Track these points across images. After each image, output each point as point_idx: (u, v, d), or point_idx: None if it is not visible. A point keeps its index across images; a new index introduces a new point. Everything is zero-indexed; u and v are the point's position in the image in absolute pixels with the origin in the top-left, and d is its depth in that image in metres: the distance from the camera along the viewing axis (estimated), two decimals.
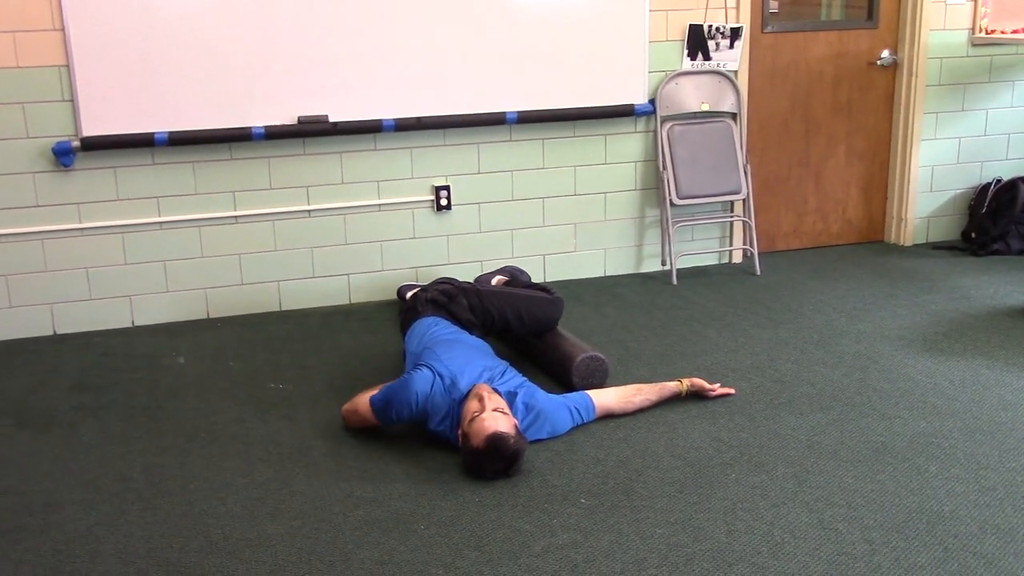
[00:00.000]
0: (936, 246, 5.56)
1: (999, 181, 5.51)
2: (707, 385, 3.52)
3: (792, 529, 2.67)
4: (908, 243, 5.59)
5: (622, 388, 3.44)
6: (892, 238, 5.65)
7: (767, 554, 2.56)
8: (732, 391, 3.57)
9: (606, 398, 3.33)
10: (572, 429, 3.29)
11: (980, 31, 5.36)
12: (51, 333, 4.34)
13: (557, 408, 3.26)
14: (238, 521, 2.78)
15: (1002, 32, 5.36)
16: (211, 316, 4.53)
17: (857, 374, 3.76)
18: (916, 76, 5.35)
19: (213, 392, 3.70)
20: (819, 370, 3.80)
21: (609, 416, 3.36)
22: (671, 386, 3.48)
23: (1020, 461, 3.03)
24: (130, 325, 4.43)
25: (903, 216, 5.57)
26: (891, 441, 3.19)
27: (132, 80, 4.16)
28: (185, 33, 4.18)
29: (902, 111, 5.44)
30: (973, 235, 5.48)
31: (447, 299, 3.68)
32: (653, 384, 3.49)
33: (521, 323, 3.73)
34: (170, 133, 4.23)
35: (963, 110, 5.47)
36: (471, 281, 4.07)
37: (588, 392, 3.37)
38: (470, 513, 2.80)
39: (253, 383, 3.78)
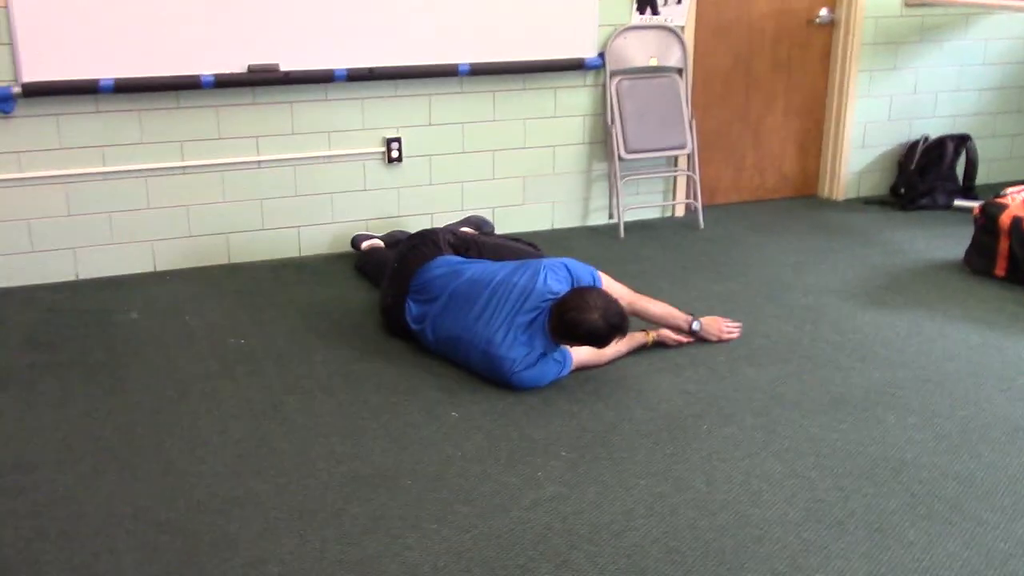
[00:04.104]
0: (867, 201, 5.75)
1: (927, 138, 5.71)
2: (672, 335, 3.63)
3: (767, 478, 2.79)
4: (840, 197, 5.77)
5: None
6: (825, 192, 5.82)
7: (747, 502, 2.66)
8: (691, 339, 3.68)
9: (581, 352, 3.39)
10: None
11: None
12: None
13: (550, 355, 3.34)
14: (222, 479, 2.76)
15: None
16: (158, 269, 4.42)
17: (808, 327, 3.89)
18: (852, 35, 5.48)
19: (173, 348, 3.63)
20: (772, 323, 3.93)
21: (582, 369, 3.42)
22: (639, 336, 3.59)
23: (969, 410, 3.20)
24: (74, 278, 4.30)
25: (836, 171, 5.73)
26: (849, 392, 3.33)
27: (76, 23, 3.99)
28: None
29: (838, 69, 5.58)
30: (902, 190, 5.68)
31: (464, 248, 3.78)
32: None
33: None
34: (116, 80, 4.08)
35: (895, 68, 5.64)
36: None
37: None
38: (455, 467, 2.84)
39: (212, 338, 3.73)
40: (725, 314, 3.98)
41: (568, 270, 3.42)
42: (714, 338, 3.69)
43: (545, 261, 3.47)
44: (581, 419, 3.13)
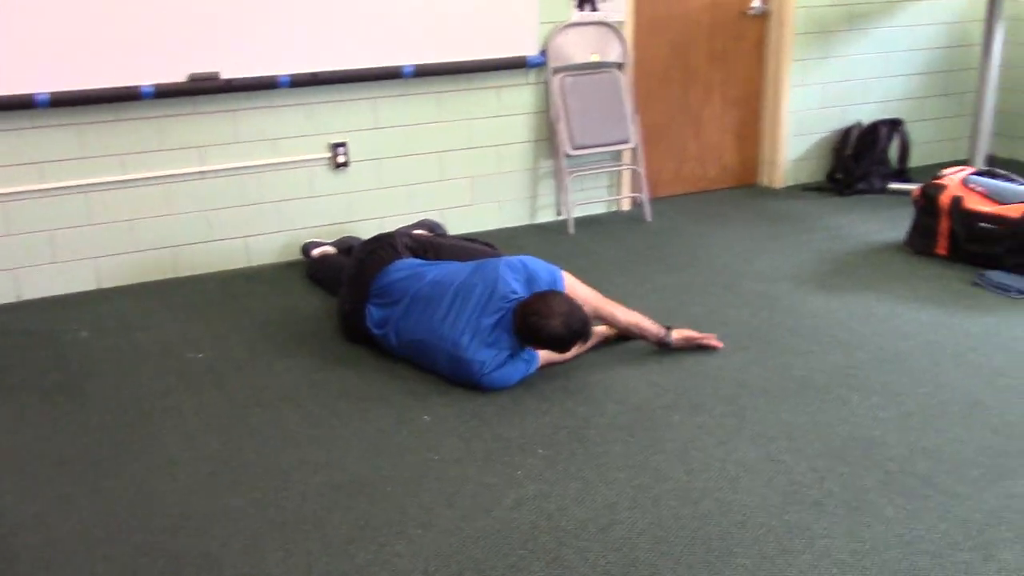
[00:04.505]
0: (805, 187, 5.86)
1: (860, 124, 5.84)
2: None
3: (744, 464, 2.82)
4: (779, 185, 5.87)
5: None
6: (764, 181, 5.91)
7: (727, 489, 2.69)
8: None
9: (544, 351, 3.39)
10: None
11: None
12: None
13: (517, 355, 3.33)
14: (196, 496, 2.70)
15: None
16: (103, 286, 4.31)
17: (764, 313, 3.95)
18: (784, 25, 5.58)
19: (129, 366, 3.54)
20: (728, 311, 3.98)
21: (548, 365, 3.42)
22: (601, 330, 3.60)
23: (929, 387, 3.29)
24: (15, 300, 4.16)
25: (774, 160, 5.83)
26: (811, 375, 3.39)
27: (8, 37, 3.86)
28: None
29: (772, 59, 5.67)
30: (839, 176, 5.80)
31: (422, 251, 3.74)
32: None
33: None
34: (52, 94, 3.96)
35: (827, 57, 5.75)
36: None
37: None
38: (433, 471, 2.82)
39: (169, 354, 3.64)
40: (681, 305, 4.03)
41: (526, 267, 3.42)
42: (692, 346, 3.59)
43: (504, 260, 3.46)
44: (553, 416, 3.13)
